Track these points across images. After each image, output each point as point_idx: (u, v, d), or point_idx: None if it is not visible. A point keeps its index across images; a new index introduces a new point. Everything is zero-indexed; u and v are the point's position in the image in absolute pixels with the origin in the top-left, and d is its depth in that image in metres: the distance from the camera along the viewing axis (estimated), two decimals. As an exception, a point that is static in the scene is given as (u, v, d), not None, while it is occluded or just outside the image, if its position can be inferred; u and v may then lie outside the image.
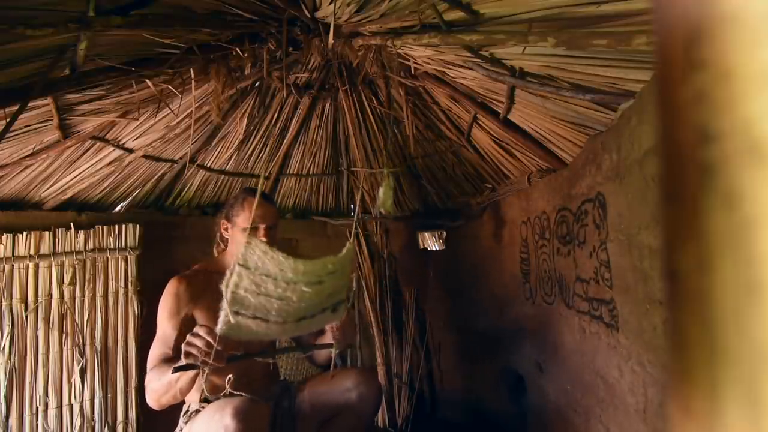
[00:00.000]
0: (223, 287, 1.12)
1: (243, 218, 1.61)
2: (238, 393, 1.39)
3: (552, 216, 1.92)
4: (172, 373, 1.27)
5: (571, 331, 1.74)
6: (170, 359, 1.44)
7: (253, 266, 1.16)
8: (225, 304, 1.12)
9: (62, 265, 2.11)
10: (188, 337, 1.26)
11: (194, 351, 1.23)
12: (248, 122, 2.29)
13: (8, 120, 1.38)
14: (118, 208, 2.46)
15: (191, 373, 1.29)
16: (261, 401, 1.48)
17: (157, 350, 1.51)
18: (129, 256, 2.25)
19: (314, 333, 1.74)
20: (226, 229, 1.68)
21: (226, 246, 1.73)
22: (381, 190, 1.90)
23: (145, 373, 1.48)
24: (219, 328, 1.12)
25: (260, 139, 2.52)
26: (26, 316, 2.03)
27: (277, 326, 1.19)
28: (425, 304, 3.01)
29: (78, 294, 2.14)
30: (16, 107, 1.37)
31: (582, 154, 1.65)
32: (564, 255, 1.79)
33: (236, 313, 1.13)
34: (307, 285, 1.18)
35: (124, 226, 2.25)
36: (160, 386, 1.39)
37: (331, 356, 1.65)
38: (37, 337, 2.05)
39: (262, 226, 1.59)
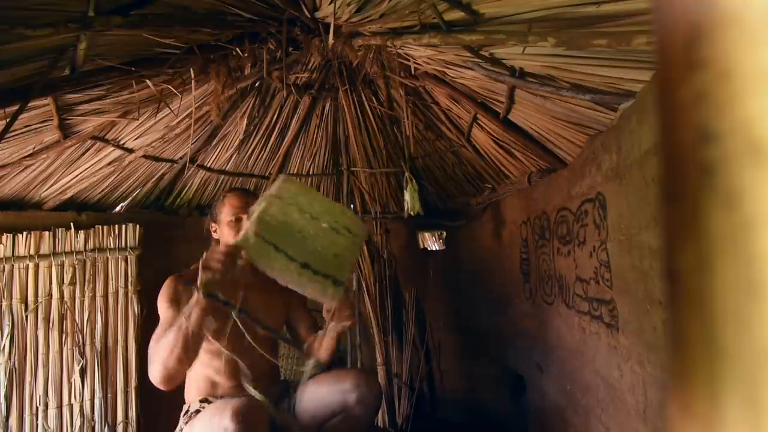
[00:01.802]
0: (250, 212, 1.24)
1: (225, 213, 1.64)
2: (231, 394, 1.38)
3: (552, 216, 1.92)
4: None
5: (571, 331, 1.74)
6: None
7: (287, 195, 1.27)
8: (249, 223, 1.21)
9: (62, 265, 2.11)
10: (206, 256, 1.29)
11: (213, 264, 1.26)
12: (248, 122, 2.29)
13: (8, 120, 1.38)
14: (118, 208, 2.46)
15: (198, 310, 1.28)
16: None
17: (159, 330, 1.45)
18: (129, 256, 2.25)
19: (311, 330, 1.74)
20: (215, 231, 1.69)
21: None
22: (407, 194, 1.94)
23: (145, 373, 1.46)
24: (237, 239, 1.20)
25: (260, 139, 2.52)
26: (26, 316, 2.03)
27: (282, 262, 1.22)
28: (425, 304, 3.01)
29: (78, 294, 2.14)
30: (16, 107, 1.37)
31: (582, 154, 1.65)
32: (564, 255, 1.79)
33: (257, 234, 1.19)
34: (327, 223, 1.28)
35: (124, 226, 2.25)
36: (166, 342, 1.32)
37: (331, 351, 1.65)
38: (37, 337, 2.05)
39: (244, 216, 1.58)
